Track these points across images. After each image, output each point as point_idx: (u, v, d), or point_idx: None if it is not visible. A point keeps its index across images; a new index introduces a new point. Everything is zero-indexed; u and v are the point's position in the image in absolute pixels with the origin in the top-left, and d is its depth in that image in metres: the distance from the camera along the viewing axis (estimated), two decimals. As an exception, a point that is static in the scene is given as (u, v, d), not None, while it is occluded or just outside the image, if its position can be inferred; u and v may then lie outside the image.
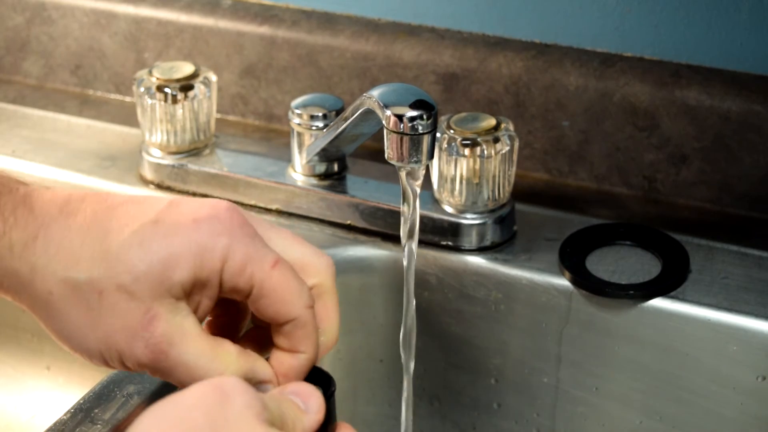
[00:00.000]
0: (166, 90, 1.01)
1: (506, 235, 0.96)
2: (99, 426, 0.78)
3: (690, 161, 1.01)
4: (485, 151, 0.93)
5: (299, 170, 1.00)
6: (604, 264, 0.93)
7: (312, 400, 0.66)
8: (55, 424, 0.78)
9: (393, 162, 0.82)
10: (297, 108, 0.98)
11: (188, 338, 0.67)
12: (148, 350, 0.67)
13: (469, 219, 0.95)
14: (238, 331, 0.74)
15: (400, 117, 0.79)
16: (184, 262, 0.66)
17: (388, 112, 0.80)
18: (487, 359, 0.96)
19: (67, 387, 1.09)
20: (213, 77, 1.04)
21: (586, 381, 0.94)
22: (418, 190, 0.83)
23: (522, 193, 1.02)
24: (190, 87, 1.02)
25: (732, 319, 0.88)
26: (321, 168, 0.99)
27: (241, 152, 1.04)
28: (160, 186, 1.03)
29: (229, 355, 0.68)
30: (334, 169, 0.99)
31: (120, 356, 0.68)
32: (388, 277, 0.96)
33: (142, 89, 1.02)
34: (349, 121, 0.88)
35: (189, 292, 0.67)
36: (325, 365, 1.00)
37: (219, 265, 0.67)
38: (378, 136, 0.88)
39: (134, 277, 0.66)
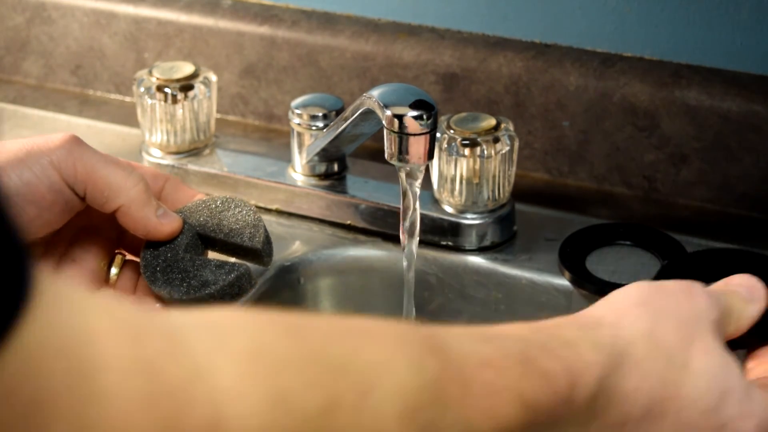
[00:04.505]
0: (166, 90, 1.01)
1: (506, 235, 0.96)
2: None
3: (690, 161, 1.01)
4: (485, 151, 0.93)
5: (299, 170, 1.00)
6: (604, 264, 0.93)
7: (755, 290, 0.72)
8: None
9: (393, 162, 0.82)
10: (297, 108, 0.98)
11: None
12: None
13: (469, 219, 0.95)
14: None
15: (400, 117, 0.80)
16: None
17: (388, 112, 0.80)
18: (487, 359, 0.96)
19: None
20: (213, 77, 1.04)
21: (586, 381, 0.94)
22: (418, 191, 0.83)
23: (522, 193, 1.02)
24: (190, 87, 1.02)
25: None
26: (321, 168, 0.99)
27: (241, 152, 1.04)
28: (160, 186, 1.03)
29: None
30: (334, 169, 0.99)
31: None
32: (388, 277, 0.96)
33: (142, 89, 1.02)
34: (349, 121, 0.88)
35: None
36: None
37: None
38: (378, 136, 0.88)
39: None
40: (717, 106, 0.99)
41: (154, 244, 0.79)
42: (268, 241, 0.82)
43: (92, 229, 0.78)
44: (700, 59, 1.01)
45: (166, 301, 0.77)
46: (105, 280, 0.80)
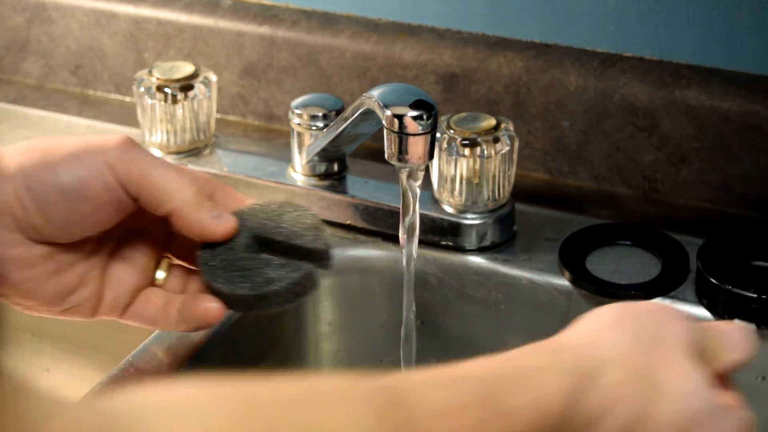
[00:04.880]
0: (166, 90, 1.01)
1: (506, 235, 0.96)
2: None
3: (690, 161, 1.01)
4: (485, 151, 0.93)
5: (299, 170, 1.00)
6: (604, 264, 0.93)
7: (738, 340, 0.70)
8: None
9: (393, 162, 0.82)
10: (297, 108, 0.98)
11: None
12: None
13: (469, 219, 0.95)
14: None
15: (400, 117, 0.80)
16: None
17: (388, 112, 0.80)
18: (487, 359, 0.96)
19: (66, 388, 1.09)
20: (213, 77, 1.04)
21: (586, 381, 0.94)
22: (418, 191, 0.83)
23: (522, 193, 1.02)
24: (190, 87, 1.02)
25: (732, 320, 0.88)
26: (321, 168, 0.99)
27: (241, 152, 1.04)
28: (160, 186, 1.03)
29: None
30: (334, 169, 0.99)
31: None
32: (388, 277, 0.96)
33: (142, 89, 1.02)
34: (349, 121, 0.88)
35: None
36: (326, 365, 1.00)
37: None
38: (378, 136, 0.88)
39: None
40: (717, 106, 0.99)
41: (210, 245, 0.77)
42: (329, 243, 0.81)
43: (142, 230, 0.79)
44: (700, 59, 1.01)
45: (227, 299, 0.76)
46: (152, 281, 0.80)
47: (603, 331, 0.66)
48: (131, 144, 0.74)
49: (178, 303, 0.78)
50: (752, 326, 0.72)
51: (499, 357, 0.64)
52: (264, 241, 0.79)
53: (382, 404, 0.54)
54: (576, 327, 0.68)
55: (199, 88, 1.02)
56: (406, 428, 0.54)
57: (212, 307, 0.77)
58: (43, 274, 0.75)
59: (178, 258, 0.81)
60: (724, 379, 0.69)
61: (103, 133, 1.13)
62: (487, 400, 0.59)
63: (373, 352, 0.99)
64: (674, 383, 0.65)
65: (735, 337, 0.70)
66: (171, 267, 0.81)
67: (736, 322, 0.72)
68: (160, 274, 0.80)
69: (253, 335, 0.92)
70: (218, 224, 0.76)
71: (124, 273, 0.78)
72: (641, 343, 0.66)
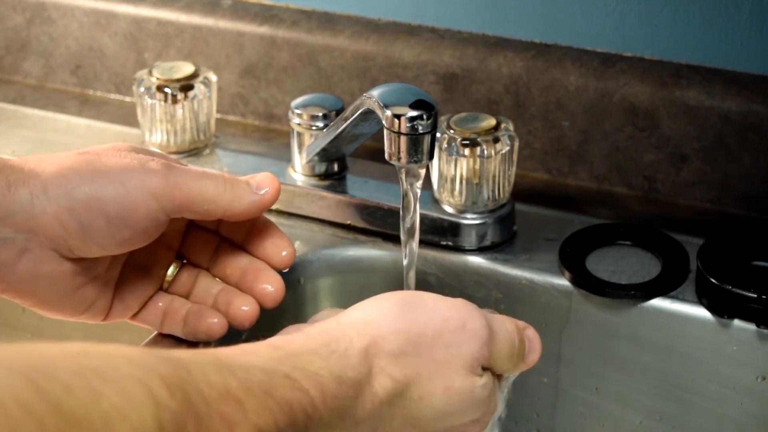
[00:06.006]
0: (166, 90, 1.01)
1: (506, 235, 0.96)
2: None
3: (690, 161, 1.01)
4: (485, 151, 0.93)
5: (299, 170, 1.00)
6: (604, 264, 0.93)
7: (535, 343, 0.76)
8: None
9: (393, 162, 0.82)
10: (297, 108, 0.98)
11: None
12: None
13: (469, 219, 0.95)
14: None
15: (399, 117, 0.79)
16: None
17: (388, 112, 0.80)
18: (487, 359, 0.96)
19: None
20: (213, 77, 1.04)
21: (586, 381, 0.94)
22: (419, 191, 0.83)
23: (522, 193, 1.02)
24: (190, 87, 1.02)
25: (732, 319, 0.88)
26: (321, 168, 0.99)
27: (241, 152, 1.04)
28: (160, 186, 1.03)
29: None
30: (334, 169, 0.99)
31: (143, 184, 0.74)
32: (388, 277, 0.96)
33: (142, 89, 1.02)
34: (349, 121, 0.88)
35: None
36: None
37: None
38: (378, 136, 0.88)
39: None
40: (717, 106, 0.99)
41: None
42: None
43: (158, 238, 0.80)
44: (700, 59, 1.01)
45: None
46: (162, 285, 0.82)
47: (385, 333, 0.70)
48: (172, 169, 0.75)
49: (183, 312, 0.80)
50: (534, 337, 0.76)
51: (283, 348, 0.66)
52: None
53: (166, 382, 0.55)
54: (357, 316, 0.71)
55: (199, 88, 1.02)
56: (185, 407, 0.55)
57: (215, 323, 0.79)
58: (67, 289, 0.76)
59: (191, 259, 0.83)
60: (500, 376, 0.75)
61: (103, 132, 1.13)
62: (269, 389, 0.61)
63: (373, 352, 0.99)
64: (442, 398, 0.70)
65: (518, 349, 0.74)
66: (180, 269, 0.82)
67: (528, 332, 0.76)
68: (170, 276, 0.82)
69: (253, 335, 0.92)
70: (264, 197, 0.78)
71: (136, 281, 0.80)
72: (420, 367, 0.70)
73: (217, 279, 0.82)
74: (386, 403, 0.69)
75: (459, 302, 0.73)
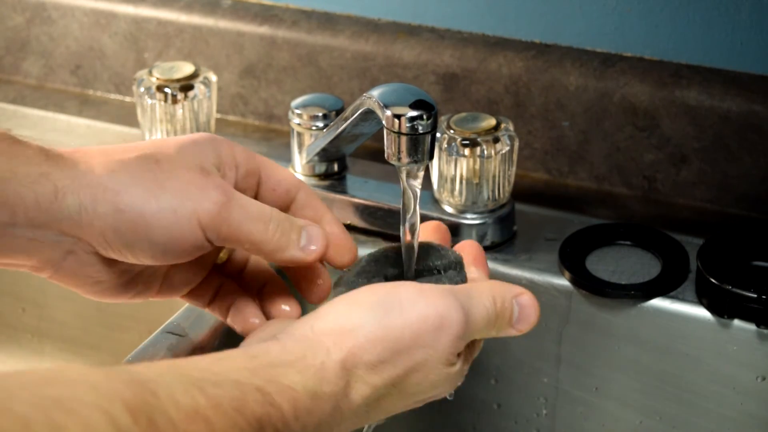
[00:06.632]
0: (166, 90, 1.01)
1: (506, 235, 0.96)
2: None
3: (690, 161, 1.01)
4: (485, 151, 0.93)
5: (299, 170, 1.00)
6: (604, 264, 0.93)
7: (529, 311, 0.74)
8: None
9: (393, 162, 0.82)
10: (297, 108, 0.98)
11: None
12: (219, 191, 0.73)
13: (469, 219, 0.95)
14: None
15: (400, 117, 0.79)
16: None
17: (388, 112, 0.80)
18: (487, 359, 0.96)
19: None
20: (213, 77, 1.04)
21: (586, 381, 0.94)
22: (419, 191, 0.83)
23: (522, 193, 1.02)
24: (190, 87, 1.02)
25: (732, 319, 0.88)
26: (321, 168, 0.99)
27: (241, 152, 1.04)
28: (160, 186, 1.03)
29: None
30: (334, 169, 0.99)
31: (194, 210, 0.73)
32: (388, 277, 0.96)
33: (142, 89, 1.02)
34: (349, 121, 0.88)
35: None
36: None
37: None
38: (378, 136, 0.88)
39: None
40: (717, 106, 0.99)
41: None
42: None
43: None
44: (700, 59, 1.01)
45: None
46: (212, 267, 0.81)
47: (361, 342, 0.69)
48: (230, 201, 0.74)
49: (229, 301, 0.80)
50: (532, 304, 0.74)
51: (256, 361, 0.65)
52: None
53: (130, 406, 0.54)
54: (331, 327, 0.69)
55: (199, 88, 1.02)
56: (157, 428, 0.54)
57: (255, 323, 0.79)
58: (112, 285, 0.77)
59: (228, 276, 0.82)
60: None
61: (103, 132, 1.13)
62: (240, 406, 0.60)
63: (373, 352, 0.99)
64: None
65: (497, 321, 0.73)
66: (232, 251, 0.82)
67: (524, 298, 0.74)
68: (224, 255, 0.82)
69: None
70: (309, 255, 0.76)
71: (185, 272, 0.79)
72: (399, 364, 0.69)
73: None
74: (363, 406, 0.68)
75: (437, 294, 0.71)
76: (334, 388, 0.67)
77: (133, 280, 0.77)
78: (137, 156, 0.73)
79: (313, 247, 0.76)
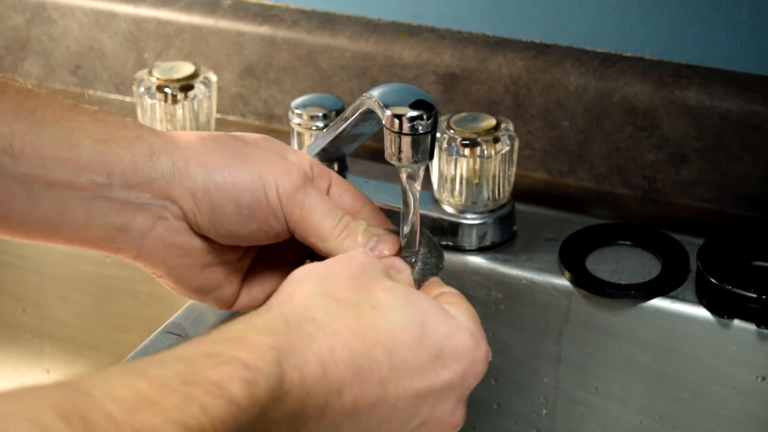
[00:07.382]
0: (166, 90, 1.01)
1: (506, 235, 0.96)
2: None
3: (690, 161, 1.01)
4: (485, 151, 0.93)
5: (299, 170, 0.99)
6: (604, 264, 0.93)
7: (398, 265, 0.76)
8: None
9: (393, 162, 0.82)
10: (297, 108, 0.98)
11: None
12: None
13: (469, 219, 0.95)
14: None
15: (400, 117, 0.79)
16: None
17: (388, 112, 0.80)
18: (487, 359, 0.96)
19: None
20: (213, 77, 1.04)
21: (586, 381, 0.94)
22: (419, 191, 0.83)
23: (522, 193, 1.02)
24: (190, 87, 1.02)
25: (732, 319, 0.88)
26: (321, 168, 0.99)
27: (241, 152, 1.04)
28: (160, 186, 1.03)
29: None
30: (334, 169, 0.99)
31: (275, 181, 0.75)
32: (388, 277, 0.96)
33: (142, 89, 1.02)
34: (349, 121, 0.88)
35: None
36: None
37: None
38: (378, 136, 0.88)
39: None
40: (717, 106, 0.99)
41: None
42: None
43: (278, 249, 0.81)
44: (700, 59, 1.01)
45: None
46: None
47: (295, 287, 0.69)
48: (308, 186, 0.76)
49: None
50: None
51: (202, 336, 0.63)
52: None
53: (59, 413, 0.51)
54: (272, 298, 0.69)
55: (199, 88, 1.02)
56: (95, 427, 0.52)
57: None
58: (196, 264, 0.78)
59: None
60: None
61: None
62: (190, 376, 0.57)
63: (373, 352, 0.99)
64: (386, 299, 0.68)
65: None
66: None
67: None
68: None
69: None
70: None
71: (266, 275, 0.81)
72: (336, 281, 0.69)
73: None
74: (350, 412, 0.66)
75: (417, 310, 0.69)
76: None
77: (216, 267, 0.78)
78: (225, 134, 0.77)
79: (386, 252, 0.78)
